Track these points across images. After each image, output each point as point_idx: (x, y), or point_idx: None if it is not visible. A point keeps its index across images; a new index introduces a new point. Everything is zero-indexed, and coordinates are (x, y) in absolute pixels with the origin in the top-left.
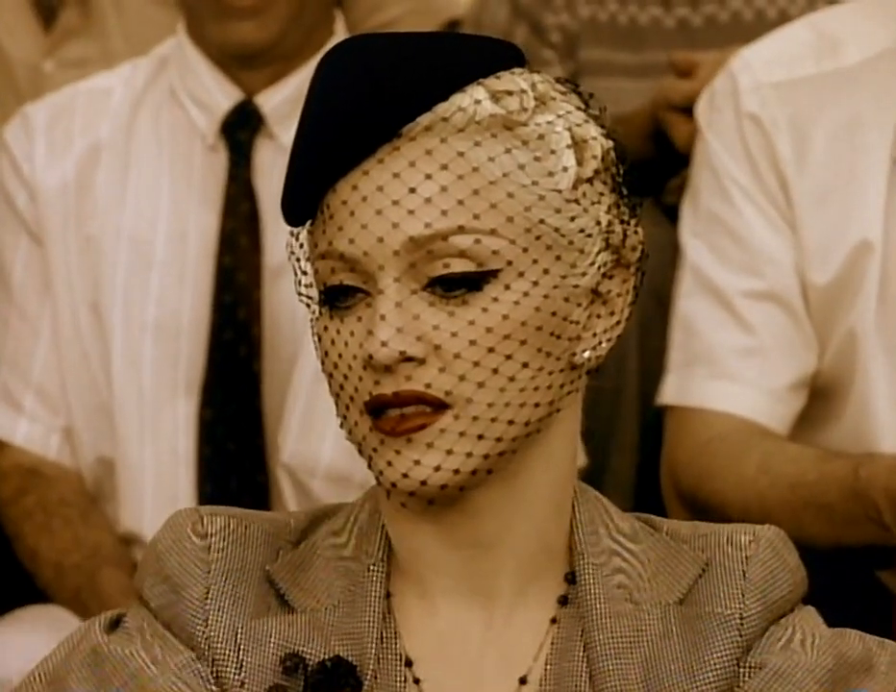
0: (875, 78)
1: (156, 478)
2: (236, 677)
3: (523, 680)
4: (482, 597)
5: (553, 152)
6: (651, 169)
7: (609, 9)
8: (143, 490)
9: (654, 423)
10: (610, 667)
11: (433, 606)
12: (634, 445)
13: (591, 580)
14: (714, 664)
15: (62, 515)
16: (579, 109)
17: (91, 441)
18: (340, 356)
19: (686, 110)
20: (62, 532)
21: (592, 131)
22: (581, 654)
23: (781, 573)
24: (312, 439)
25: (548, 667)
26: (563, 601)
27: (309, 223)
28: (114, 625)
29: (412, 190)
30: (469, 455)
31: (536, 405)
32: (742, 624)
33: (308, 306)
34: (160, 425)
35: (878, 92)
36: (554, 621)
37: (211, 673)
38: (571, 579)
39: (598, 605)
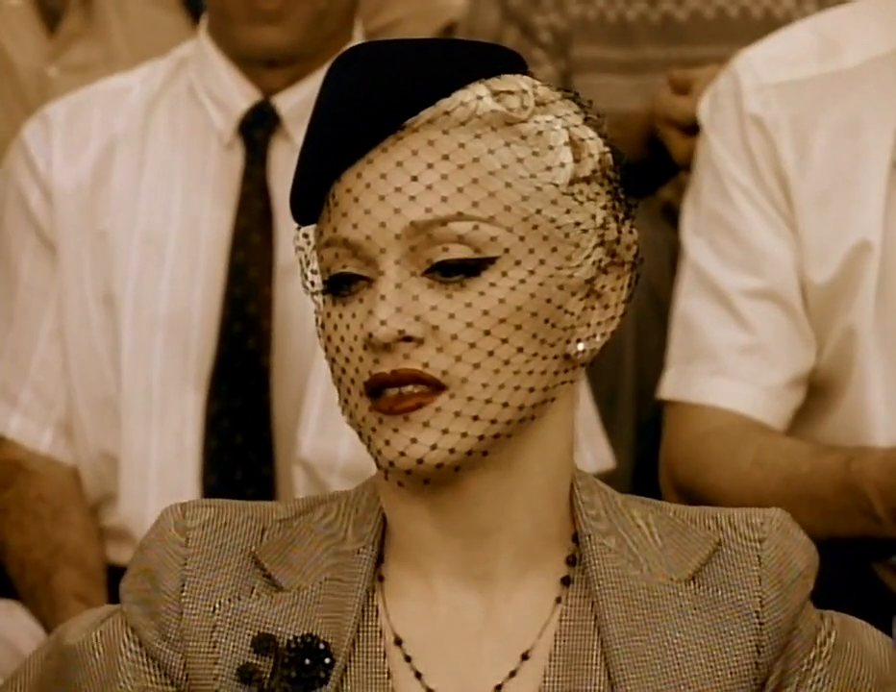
0: (876, 80)
1: (160, 470)
2: (210, 662)
3: (525, 656)
4: (480, 582)
5: (551, 148)
6: (645, 172)
7: (598, 6)
8: (147, 482)
9: (650, 421)
10: (626, 645)
11: (430, 590)
12: (630, 443)
13: (599, 560)
14: (735, 651)
15: (34, 512)
16: (577, 113)
17: (95, 435)
18: (342, 338)
19: (684, 125)
20: (30, 529)
21: (590, 133)
22: (592, 632)
23: (794, 552)
24: (331, 436)
25: (557, 644)
26: (567, 581)
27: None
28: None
29: (414, 178)
30: (464, 435)
31: (531, 389)
32: (762, 610)
33: (312, 296)
34: (167, 418)
35: (879, 95)
36: (559, 601)
37: (183, 666)
38: (572, 561)
39: (608, 584)
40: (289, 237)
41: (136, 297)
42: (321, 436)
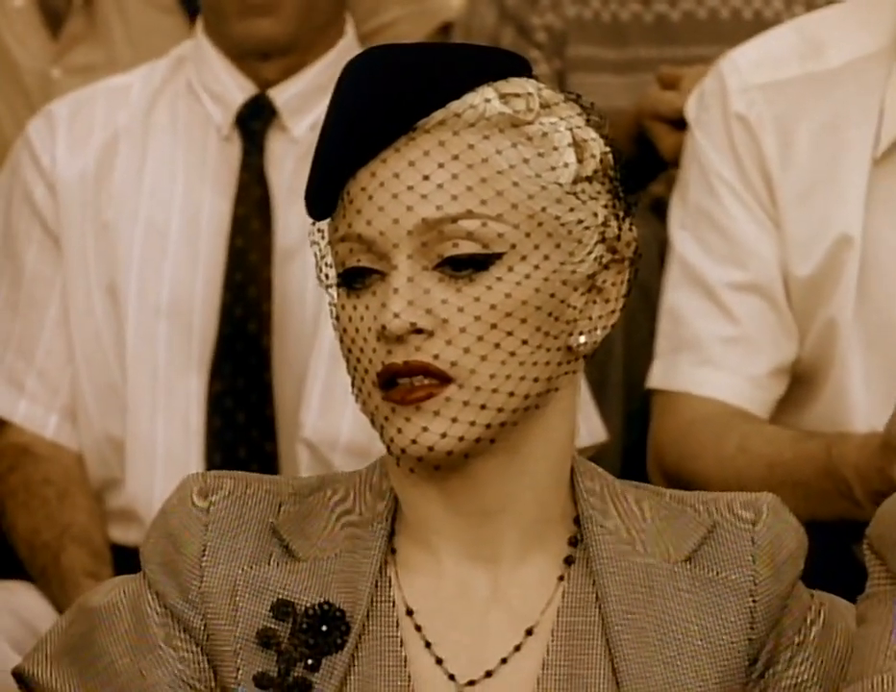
0: (857, 80)
1: (166, 450)
2: (230, 625)
3: (529, 632)
4: (486, 560)
5: (555, 149)
6: (634, 170)
7: (593, 6)
8: (154, 463)
9: (638, 410)
10: (625, 621)
11: (438, 566)
12: (619, 432)
13: (600, 541)
14: (730, 626)
15: (41, 495)
16: (580, 115)
17: (100, 420)
18: (357, 330)
19: (672, 120)
20: (37, 511)
21: (592, 134)
22: (593, 609)
23: (785, 533)
24: (332, 416)
25: (560, 620)
26: (569, 560)
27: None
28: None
29: (426, 177)
30: (473, 423)
31: (535, 380)
32: (755, 588)
33: (327, 289)
34: (172, 400)
35: (860, 94)
36: (561, 579)
37: (203, 627)
38: (574, 542)
39: (608, 564)
40: (287, 224)
41: (140, 285)
42: (323, 416)
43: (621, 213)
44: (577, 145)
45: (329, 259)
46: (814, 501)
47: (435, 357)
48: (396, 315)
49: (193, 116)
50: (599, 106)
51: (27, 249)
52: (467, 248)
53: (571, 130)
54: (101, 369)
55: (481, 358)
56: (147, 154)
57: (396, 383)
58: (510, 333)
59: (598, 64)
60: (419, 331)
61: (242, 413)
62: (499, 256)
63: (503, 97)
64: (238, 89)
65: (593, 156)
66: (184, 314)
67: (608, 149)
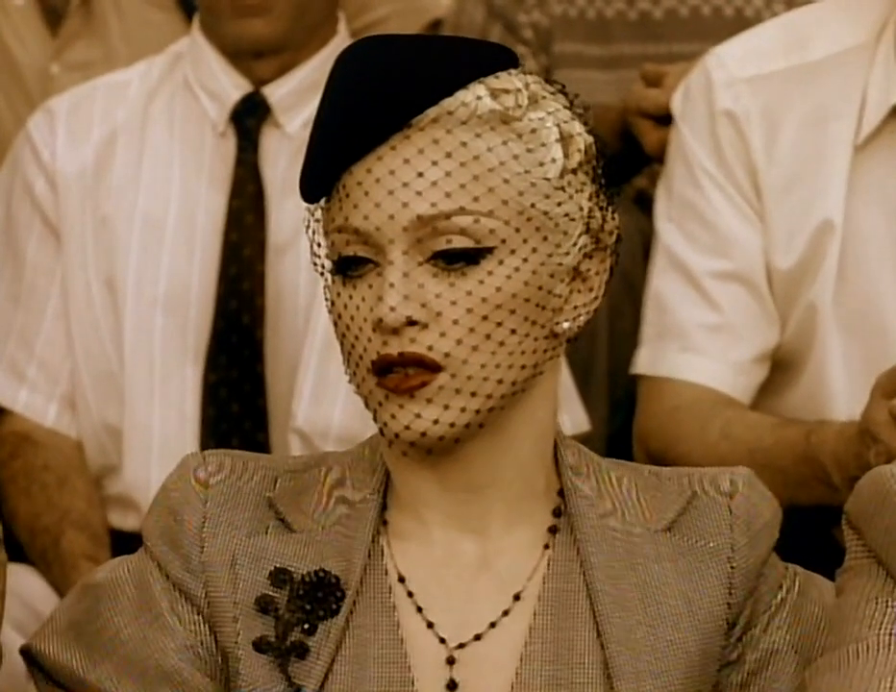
0: (840, 72)
1: (163, 439)
2: (231, 592)
3: (517, 597)
4: (474, 533)
5: (543, 145)
6: (618, 164)
7: (578, 4)
8: (150, 451)
9: (623, 399)
10: (609, 588)
11: (428, 536)
12: (604, 419)
13: (583, 512)
14: (709, 593)
15: (41, 480)
16: (565, 107)
17: (98, 409)
18: (352, 318)
19: (656, 117)
20: (37, 497)
21: (577, 127)
22: (578, 576)
23: (760, 503)
24: (324, 405)
25: (546, 586)
26: (553, 530)
27: (323, 201)
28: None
29: (420, 174)
30: (463, 410)
31: (522, 367)
32: (733, 555)
33: (321, 273)
34: (168, 390)
35: (842, 86)
36: (547, 547)
37: (204, 595)
38: (558, 513)
39: (591, 533)
40: (280, 219)
41: (137, 278)
42: (315, 407)
43: (604, 203)
44: (564, 140)
45: (323, 243)
46: (794, 486)
47: (430, 348)
48: (393, 309)
49: (190, 113)
50: (584, 101)
51: (28, 242)
52: (460, 243)
53: (558, 125)
54: (99, 359)
55: (472, 348)
56: (145, 149)
57: (390, 371)
58: (499, 324)
59: (583, 61)
60: (414, 323)
61: (236, 404)
62: (490, 250)
63: (493, 94)
64: (233, 87)
65: (579, 150)
66: (180, 306)
67: (591, 140)
